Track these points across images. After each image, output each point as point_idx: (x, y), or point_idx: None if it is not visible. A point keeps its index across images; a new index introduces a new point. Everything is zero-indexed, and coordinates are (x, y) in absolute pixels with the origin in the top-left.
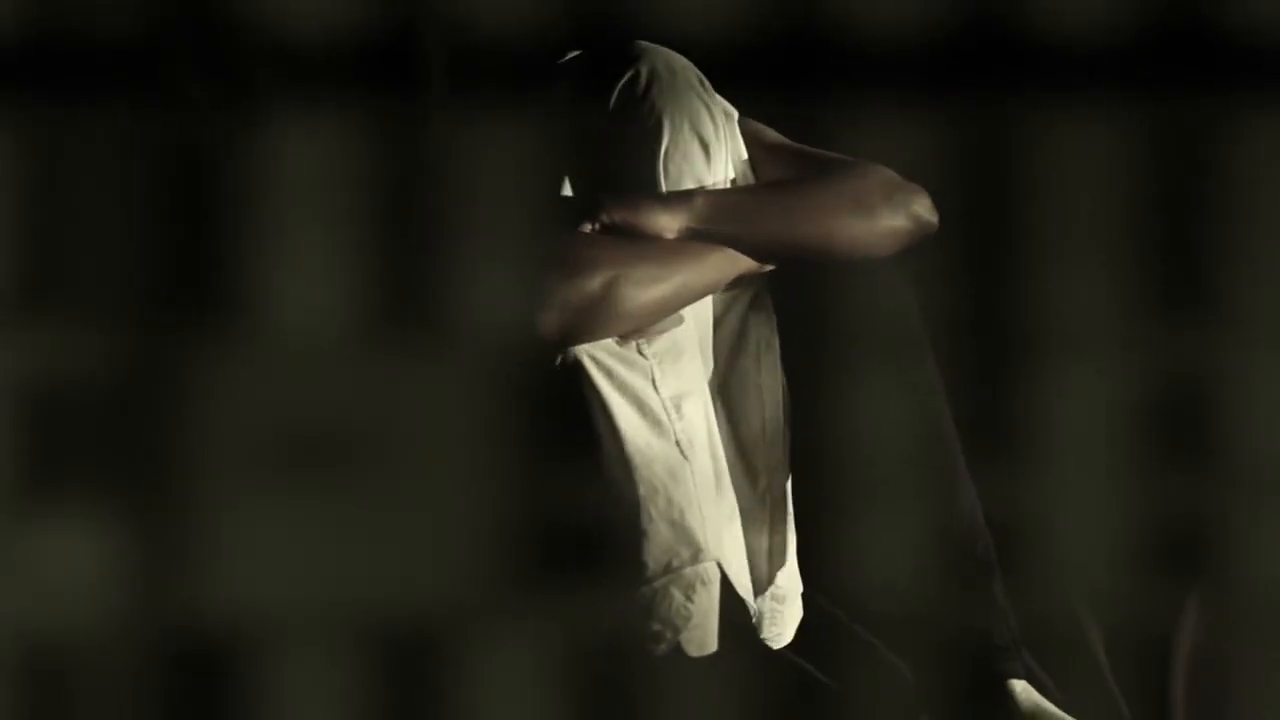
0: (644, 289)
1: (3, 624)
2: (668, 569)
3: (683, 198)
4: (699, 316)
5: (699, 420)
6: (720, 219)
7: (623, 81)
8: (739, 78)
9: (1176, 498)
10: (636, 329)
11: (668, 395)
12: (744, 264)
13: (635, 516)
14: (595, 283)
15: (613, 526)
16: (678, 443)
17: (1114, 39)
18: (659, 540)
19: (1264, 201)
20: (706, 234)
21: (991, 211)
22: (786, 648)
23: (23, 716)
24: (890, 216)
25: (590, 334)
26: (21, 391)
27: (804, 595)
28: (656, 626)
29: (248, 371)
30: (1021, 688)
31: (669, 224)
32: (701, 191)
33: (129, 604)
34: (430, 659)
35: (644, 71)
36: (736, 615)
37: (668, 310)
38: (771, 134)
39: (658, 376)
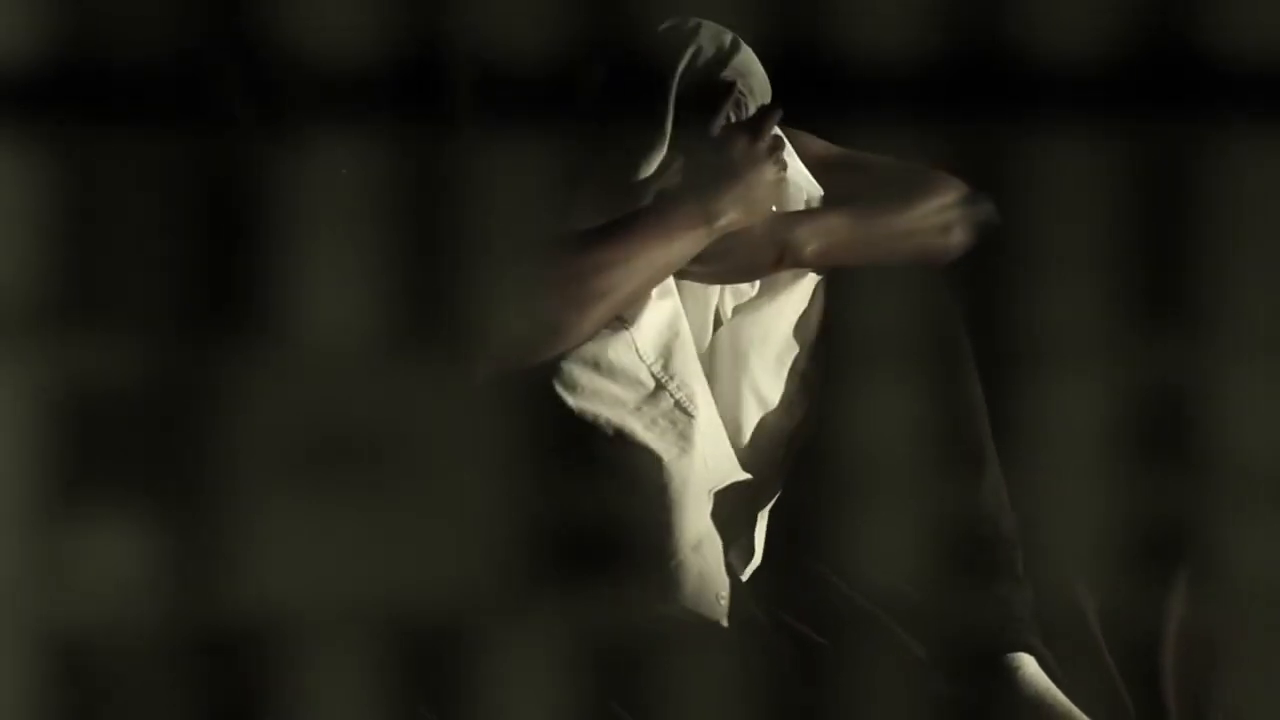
0: (583, 311)
1: (40, 621)
2: (701, 520)
3: (790, 224)
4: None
5: (691, 365)
6: (821, 258)
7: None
8: None
9: (1165, 495)
10: (595, 334)
11: (653, 359)
12: (692, 246)
13: (670, 484)
14: (524, 325)
15: (651, 501)
16: (678, 403)
17: (1100, 62)
18: (692, 496)
19: (1244, 217)
20: (802, 266)
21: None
22: (798, 625)
23: (60, 710)
24: (963, 229)
25: (536, 360)
26: (61, 397)
27: (818, 577)
28: (715, 589)
29: (277, 379)
30: (1033, 668)
31: (773, 264)
32: (809, 226)
33: (163, 602)
34: (455, 653)
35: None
36: (736, 595)
37: (619, 310)
38: (819, 143)
39: (640, 342)
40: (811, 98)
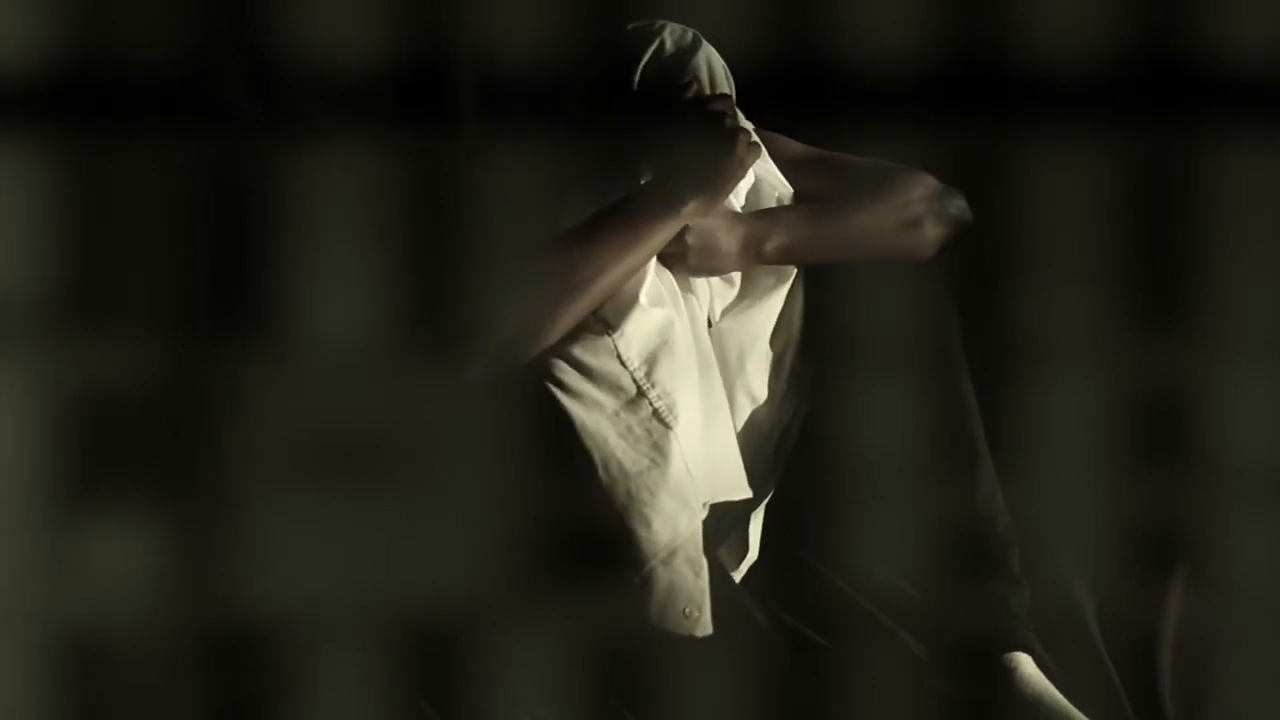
0: (556, 309)
1: (51, 620)
2: (676, 534)
3: (753, 220)
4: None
5: (678, 375)
6: (784, 253)
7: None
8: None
9: (1163, 496)
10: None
11: (637, 365)
12: (662, 235)
13: (636, 496)
14: (501, 327)
15: (617, 511)
16: (656, 412)
17: (1095, 68)
18: (664, 509)
19: (1238, 219)
20: (768, 261)
21: (982, 231)
22: (797, 625)
23: (71, 710)
24: (933, 226)
25: (515, 362)
26: (71, 400)
27: (816, 575)
28: (682, 604)
29: (283, 381)
30: (1031, 668)
31: (739, 253)
32: (769, 221)
33: (171, 602)
34: (451, 650)
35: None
36: (734, 595)
37: (595, 304)
38: (795, 145)
39: (622, 348)
40: (806, 103)
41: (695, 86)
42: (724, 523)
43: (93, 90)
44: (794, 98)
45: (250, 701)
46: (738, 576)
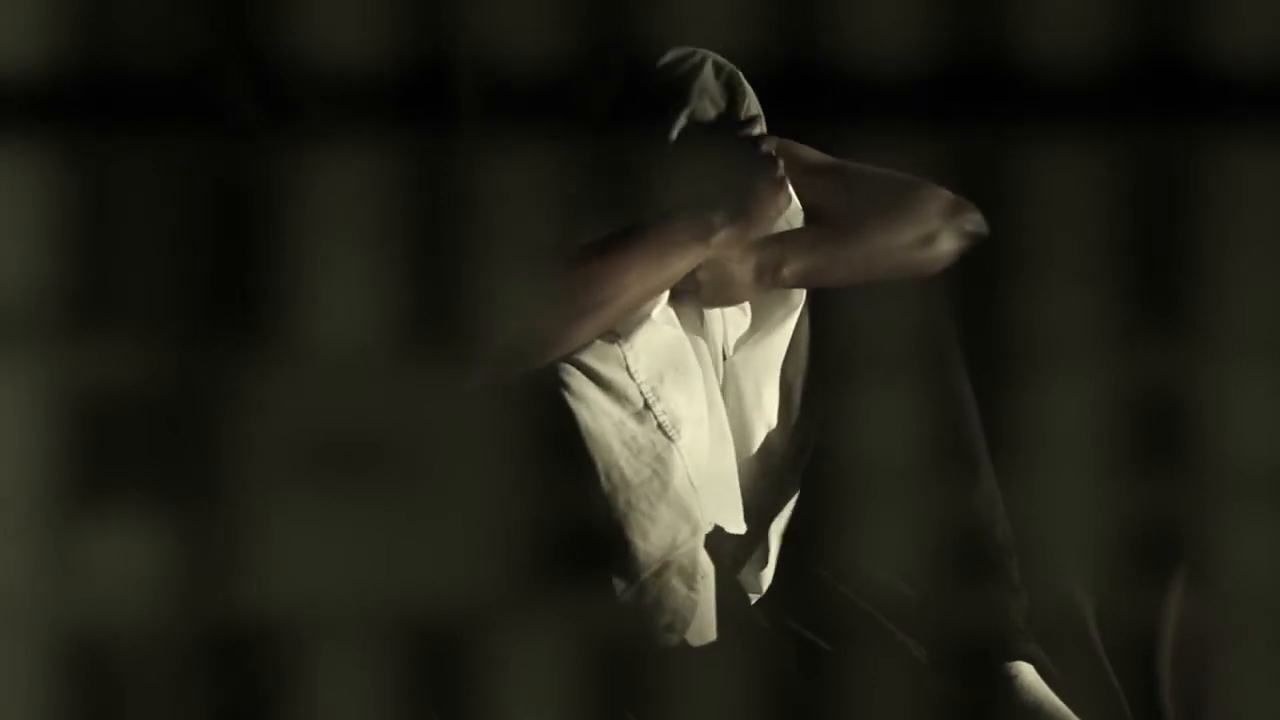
0: (573, 325)
1: (54, 620)
2: (673, 547)
3: (768, 245)
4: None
5: (684, 392)
6: (800, 277)
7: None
8: None
9: (1162, 498)
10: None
11: (644, 378)
12: (687, 262)
13: (635, 506)
14: (515, 336)
15: (616, 519)
16: (660, 426)
17: (1096, 68)
18: (662, 521)
19: (1237, 220)
20: (784, 286)
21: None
22: (801, 629)
23: (75, 710)
24: (948, 240)
25: (524, 370)
26: (73, 401)
27: (821, 582)
28: (668, 618)
29: (284, 381)
30: (1031, 676)
31: (753, 282)
32: (782, 246)
33: (175, 603)
34: (456, 653)
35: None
36: (738, 599)
37: (612, 323)
38: (811, 153)
39: (631, 360)
40: (805, 104)
41: (749, 130)
42: (745, 542)
43: (93, 91)
44: (793, 100)
45: (251, 701)
46: (761, 591)
